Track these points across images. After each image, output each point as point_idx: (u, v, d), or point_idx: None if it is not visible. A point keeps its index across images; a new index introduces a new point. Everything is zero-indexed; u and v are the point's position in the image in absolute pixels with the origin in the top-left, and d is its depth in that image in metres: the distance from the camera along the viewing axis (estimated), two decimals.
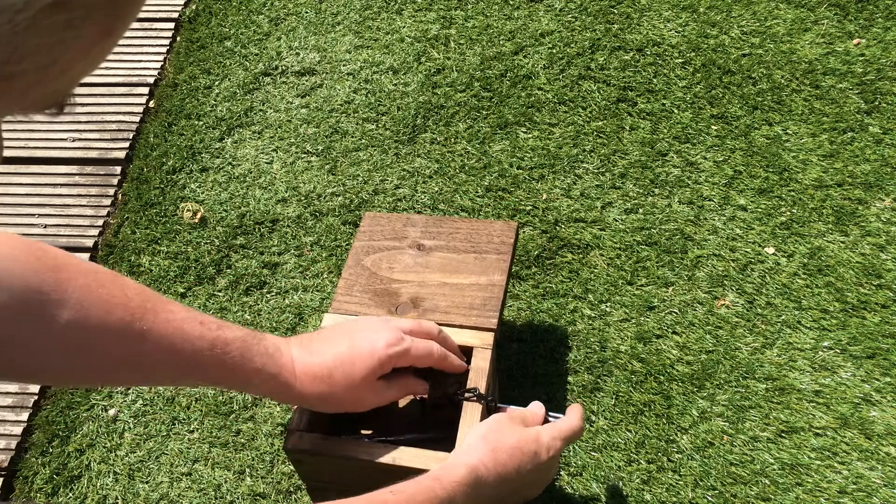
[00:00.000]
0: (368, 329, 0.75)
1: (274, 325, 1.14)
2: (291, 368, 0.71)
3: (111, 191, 1.34)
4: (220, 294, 1.18)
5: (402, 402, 0.87)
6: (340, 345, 0.73)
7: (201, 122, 1.41)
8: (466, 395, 0.78)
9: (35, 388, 1.12)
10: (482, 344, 0.84)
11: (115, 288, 0.64)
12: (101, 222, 1.29)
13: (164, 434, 1.06)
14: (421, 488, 0.63)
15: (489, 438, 0.70)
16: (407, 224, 0.98)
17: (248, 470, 1.02)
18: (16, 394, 1.11)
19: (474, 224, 0.98)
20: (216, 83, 1.47)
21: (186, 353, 0.66)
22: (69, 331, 0.61)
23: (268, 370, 0.70)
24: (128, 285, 0.65)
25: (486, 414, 0.78)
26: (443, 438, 0.78)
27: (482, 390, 0.79)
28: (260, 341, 0.71)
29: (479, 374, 0.80)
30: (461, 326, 0.86)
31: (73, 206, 1.32)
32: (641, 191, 1.23)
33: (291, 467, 1.01)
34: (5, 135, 1.46)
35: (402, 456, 0.75)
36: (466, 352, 0.83)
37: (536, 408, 0.77)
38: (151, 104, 1.46)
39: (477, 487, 0.65)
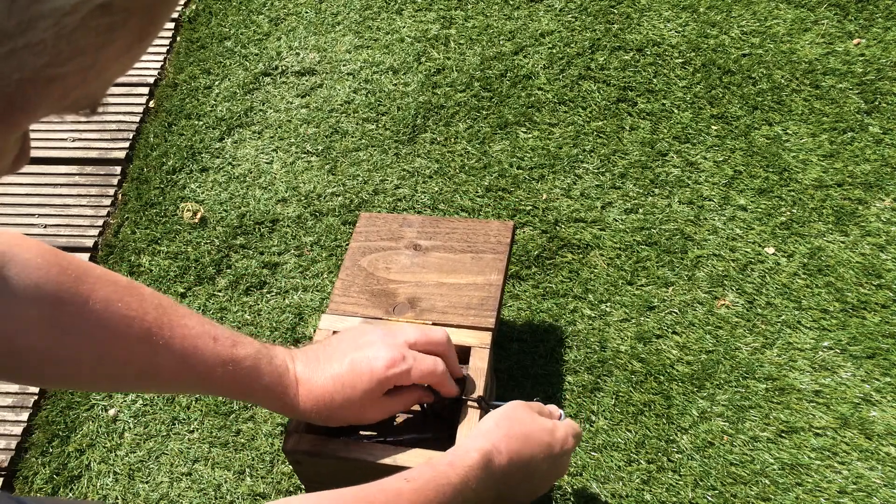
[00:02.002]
0: (371, 346, 0.74)
1: (274, 325, 1.14)
2: (295, 388, 0.73)
3: (111, 191, 1.34)
4: (220, 294, 1.18)
5: None
6: (341, 364, 0.73)
7: (201, 122, 1.41)
8: (466, 399, 0.78)
9: (35, 389, 1.12)
10: (480, 344, 0.84)
11: (133, 300, 0.66)
12: (101, 222, 1.30)
13: (164, 434, 1.06)
14: (435, 474, 0.63)
15: (504, 424, 0.70)
16: (403, 224, 0.98)
17: (248, 470, 1.02)
18: (16, 394, 1.11)
19: (471, 224, 0.97)
20: (216, 83, 1.47)
21: (199, 369, 0.68)
22: (89, 342, 0.63)
23: (274, 389, 0.71)
24: (146, 296, 0.67)
25: (484, 415, 0.78)
26: (441, 438, 0.78)
27: (480, 390, 0.79)
28: (270, 360, 0.72)
29: (476, 374, 0.80)
30: (458, 326, 0.85)
31: (73, 206, 1.32)
32: (641, 191, 1.23)
33: (291, 467, 1.01)
34: None
35: (402, 456, 0.75)
36: (464, 351, 0.83)
37: (554, 408, 0.78)
38: (151, 104, 1.46)
39: (490, 472, 0.66)
